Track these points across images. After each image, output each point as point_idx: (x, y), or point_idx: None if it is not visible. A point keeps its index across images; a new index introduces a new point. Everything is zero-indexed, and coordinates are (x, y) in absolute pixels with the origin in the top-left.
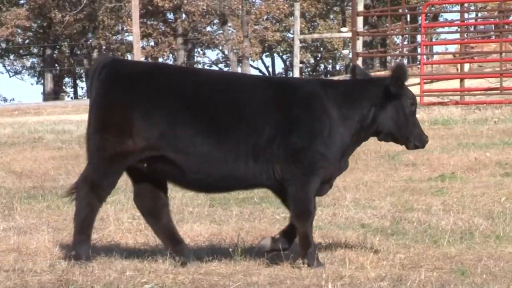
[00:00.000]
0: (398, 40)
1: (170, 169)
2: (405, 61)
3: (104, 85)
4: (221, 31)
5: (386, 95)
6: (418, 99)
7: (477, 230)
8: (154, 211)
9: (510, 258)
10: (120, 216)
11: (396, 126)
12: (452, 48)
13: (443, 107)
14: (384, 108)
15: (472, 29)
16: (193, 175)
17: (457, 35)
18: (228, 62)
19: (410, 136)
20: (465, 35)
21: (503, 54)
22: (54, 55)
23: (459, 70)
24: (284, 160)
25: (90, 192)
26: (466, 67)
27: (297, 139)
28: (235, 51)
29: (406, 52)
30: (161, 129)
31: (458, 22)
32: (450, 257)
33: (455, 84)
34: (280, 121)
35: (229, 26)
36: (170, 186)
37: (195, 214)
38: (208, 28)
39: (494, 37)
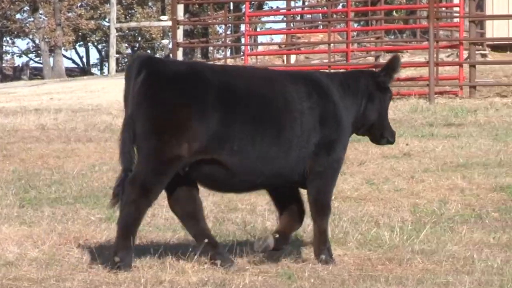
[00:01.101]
0: (221, 29)
1: (216, 172)
2: (228, 52)
3: (150, 87)
4: (32, 19)
5: (375, 87)
6: None
7: (305, 232)
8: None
9: (339, 261)
10: None
11: (378, 119)
12: (278, 38)
13: None
14: (371, 101)
15: (299, 18)
16: (244, 176)
17: (283, 25)
18: (39, 51)
19: (385, 131)
20: (292, 25)
21: (332, 45)
22: None
23: (285, 62)
24: (316, 154)
25: (140, 197)
26: (293, 58)
27: (328, 133)
28: (46, 40)
29: (229, 43)
30: (216, 131)
31: (284, 11)
32: (276, 260)
33: None
34: (313, 116)
35: (41, 14)
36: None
37: (3, 215)
38: (18, 16)
39: (322, 27)
